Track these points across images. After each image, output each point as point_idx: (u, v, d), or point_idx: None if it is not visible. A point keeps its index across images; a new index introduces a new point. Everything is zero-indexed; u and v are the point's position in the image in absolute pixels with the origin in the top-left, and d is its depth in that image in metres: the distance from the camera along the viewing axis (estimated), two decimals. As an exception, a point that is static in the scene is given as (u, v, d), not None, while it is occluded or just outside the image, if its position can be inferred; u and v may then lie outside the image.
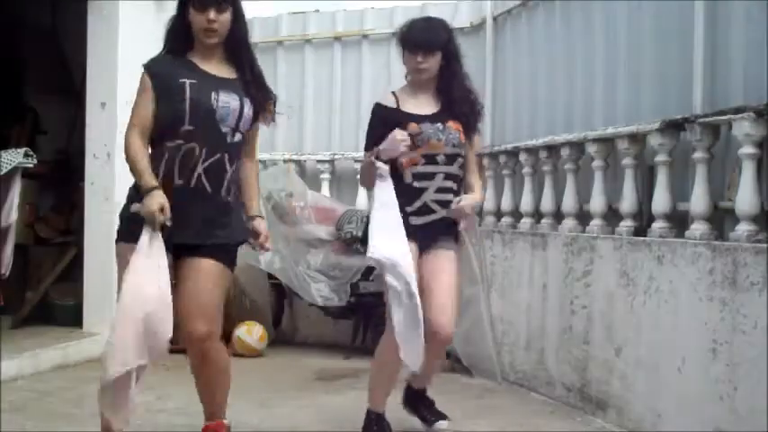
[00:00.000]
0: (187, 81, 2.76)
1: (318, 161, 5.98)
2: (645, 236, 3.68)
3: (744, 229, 3.14)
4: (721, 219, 3.43)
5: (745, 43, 3.36)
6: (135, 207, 2.74)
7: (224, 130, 2.79)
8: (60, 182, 6.17)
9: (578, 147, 4.24)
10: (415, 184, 3.26)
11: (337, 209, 5.64)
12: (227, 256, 2.89)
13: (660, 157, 3.63)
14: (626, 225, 3.85)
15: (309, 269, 5.35)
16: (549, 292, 4.29)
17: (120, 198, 5.08)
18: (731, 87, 3.41)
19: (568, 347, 4.09)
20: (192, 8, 2.78)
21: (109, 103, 5.17)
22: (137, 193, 2.77)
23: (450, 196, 3.31)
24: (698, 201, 3.40)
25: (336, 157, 5.97)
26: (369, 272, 5.24)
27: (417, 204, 3.26)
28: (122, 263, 2.74)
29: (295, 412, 3.92)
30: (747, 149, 3.14)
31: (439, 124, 3.30)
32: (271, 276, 5.56)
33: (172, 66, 2.83)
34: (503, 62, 5.30)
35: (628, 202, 3.87)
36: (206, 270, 2.81)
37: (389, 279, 3.08)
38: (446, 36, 3.35)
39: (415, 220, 3.26)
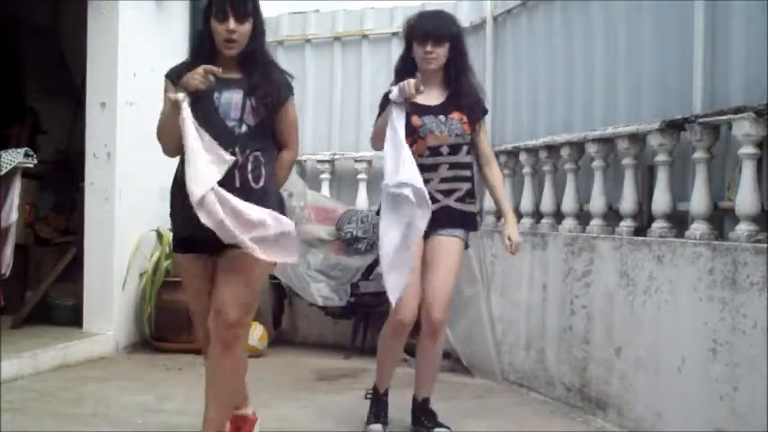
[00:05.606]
0: None
1: (318, 161, 5.98)
2: (645, 236, 3.68)
3: (744, 229, 3.13)
4: (721, 219, 3.43)
5: (745, 43, 3.36)
6: (175, 96, 2.75)
7: (229, 124, 2.82)
8: (60, 182, 6.17)
9: (578, 147, 4.24)
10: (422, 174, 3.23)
11: (337, 209, 5.64)
12: None
13: (660, 157, 3.63)
14: (626, 225, 3.85)
15: (309, 269, 5.35)
16: (549, 292, 4.29)
17: (120, 198, 5.17)
18: (731, 87, 3.41)
19: (568, 347, 4.09)
20: (213, 19, 2.81)
21: (109, 103, 5.17)
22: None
23: (457, 185, 3.35)
24: (698, 201, 3.40)
25: (336, 156, 5.96)
26: (369, 272, 5.23)
27: None
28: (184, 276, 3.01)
29: (295, 412, 3.91)
30: (747, 149, 3.14)
31: (441, 116, 3.35)
32: (271, 276, 5.54)
33: (185, 73, 2.83)
34: (503, 62, 5.29)
35: (628, 202, 3.87)
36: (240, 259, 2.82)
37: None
38: (456, 29, 3.42)
39: None
